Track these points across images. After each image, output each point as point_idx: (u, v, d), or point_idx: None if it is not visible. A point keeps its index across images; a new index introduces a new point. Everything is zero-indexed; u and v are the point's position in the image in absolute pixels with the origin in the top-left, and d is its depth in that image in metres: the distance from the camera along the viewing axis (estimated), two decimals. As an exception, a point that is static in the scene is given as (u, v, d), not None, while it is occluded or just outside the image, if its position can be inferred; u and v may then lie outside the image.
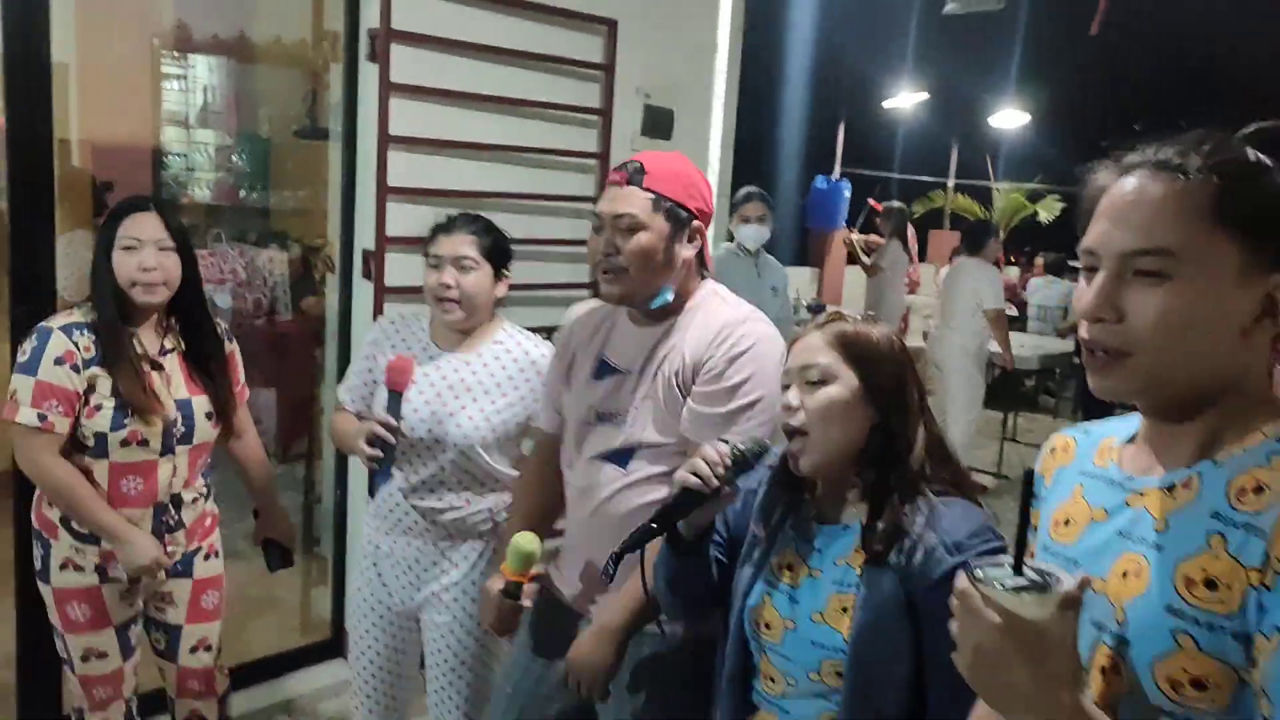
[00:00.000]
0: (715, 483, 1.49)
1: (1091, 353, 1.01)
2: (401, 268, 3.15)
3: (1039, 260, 10.17)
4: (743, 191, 4.81)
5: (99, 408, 2.17)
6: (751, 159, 6.18)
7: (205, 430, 2.34)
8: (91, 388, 2.17)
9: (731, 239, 4.93)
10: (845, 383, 1.46)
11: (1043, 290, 8.77)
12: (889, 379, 1.47)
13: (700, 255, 1.94)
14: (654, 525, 1.54)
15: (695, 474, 1.49)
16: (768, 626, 1.51)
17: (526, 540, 1.95)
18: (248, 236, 4.92)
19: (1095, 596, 1.02)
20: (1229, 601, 0.90)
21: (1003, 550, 1.32)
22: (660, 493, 1.84)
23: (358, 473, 3.35)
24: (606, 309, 2.04)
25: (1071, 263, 9.45)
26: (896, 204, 7.59)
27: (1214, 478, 0.97)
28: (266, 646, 3.37)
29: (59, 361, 2.13)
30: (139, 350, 2.24)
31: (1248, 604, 0.88)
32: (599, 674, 1.84)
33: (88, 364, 2.17)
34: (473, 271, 2.27)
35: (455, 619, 2.36)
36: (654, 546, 1.62)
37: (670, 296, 1.89)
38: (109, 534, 2.20)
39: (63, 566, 2.26)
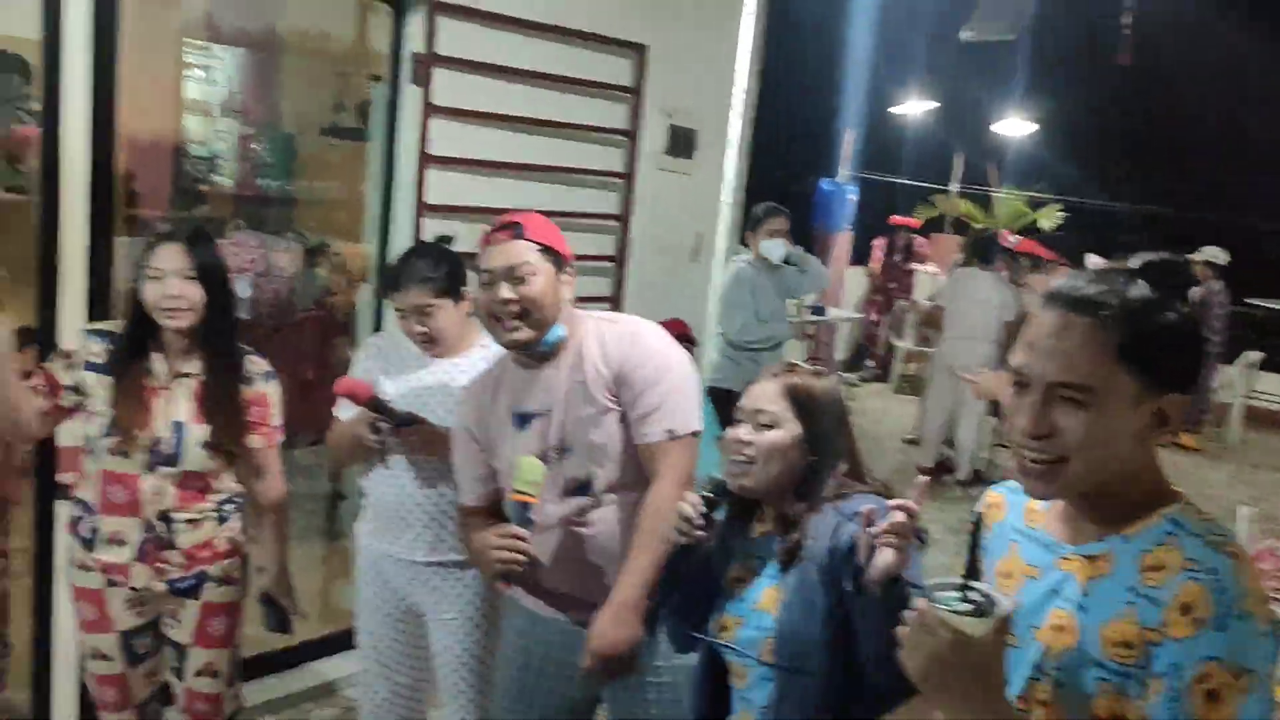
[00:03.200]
0: (699, 533, 1.73)
1: (1025, 460, 1.23)
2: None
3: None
4: (763, 206, 4.89)
5: (95, 414, 2.29)
6: (765, 163, 6.32)
7: (197, 458, 2.32)
8: (87, 392, 2.29)
9: (746, 246, 5.05)
10: (789, 430, 1.74)
11: (1043, 300, 8.88)
12: (826, 427, 1.76)
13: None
14: (668, 582, 1.82)
15: (680, 531, 1.73)
16: (725, 629, 1.78)
17: (535, 463, 2.03)
18: (267, 228, 5.03)
19: (1033, 642, 1.27)
20: (1137, 656, 1.16)
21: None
22: (627, 501, 2.09)
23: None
24: (488, 380, 2.23)
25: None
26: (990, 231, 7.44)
27: (1124, 553, 1.22)
28: (289, 636, 3.50)
29: (62, 354, 2.34)
30: (149, 369, 2.31)
31: (1149, 657, 1.15)
32: (628, 646, 1.98)
33: (89, 366, 2.30)
34: (437, 312, 2.42)
35: (462, 613, 2.50)
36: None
37: (563, 333, 2.11)
38: None
39: (74, 564, 2.38)
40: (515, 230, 2.08)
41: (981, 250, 6.61)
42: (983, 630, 1.13)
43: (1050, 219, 12.30)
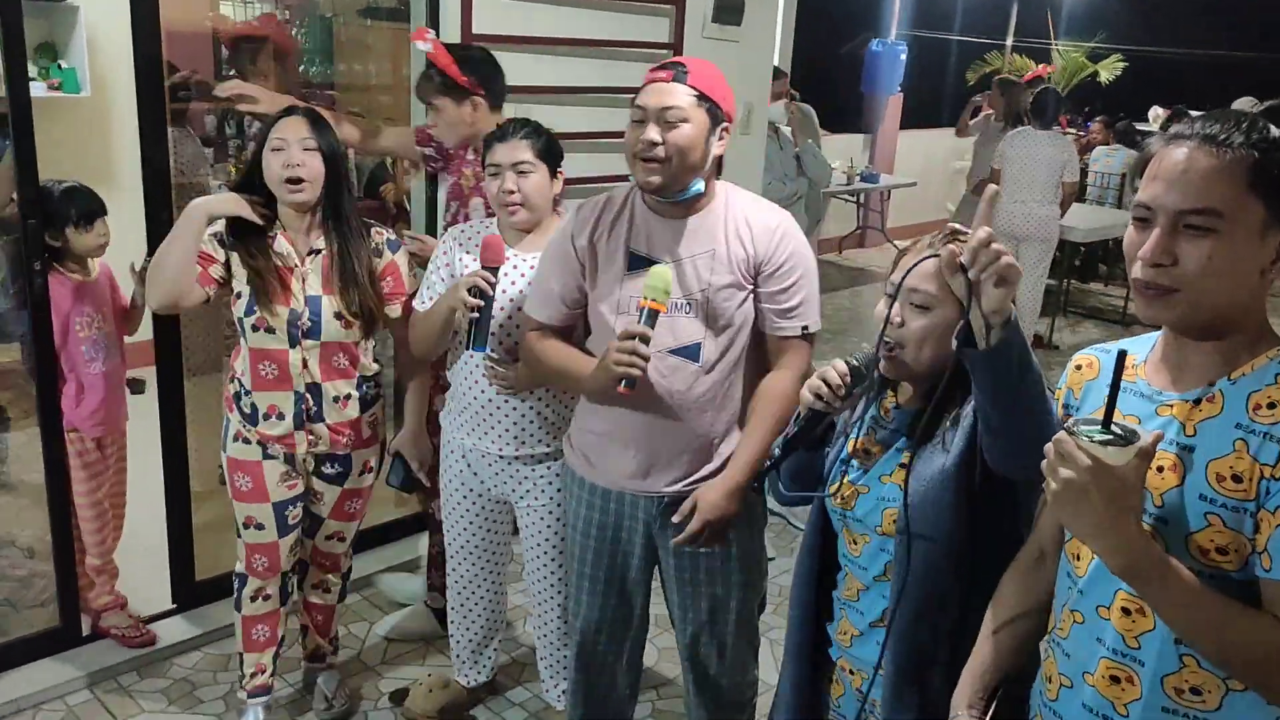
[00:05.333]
0: (840, 402, 1.69)
1: (1145, 287, 1.24)
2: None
3: (1097, 122, 9.92)
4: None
5: (239, 295, 2.42)
6: (813, 27, 6.11)
7: (334, 330, 2.44)
8: (232, 273, 2.42)
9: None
10: (945, 312, 1.62)
11: (1105, 159, 8.59)
12: None
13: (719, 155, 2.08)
14: (796, 441, 1.74)
15: (819, 395, 1.68)
16: (844, 499, 1.74)
17: (666, 272, 2.03)
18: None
19: None
20: (1248, 491, 1.19)
21: None
22: (727, 376, 2.10)
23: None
24: (613, 206, 2.18)
25: (1140, 125, 9.19)
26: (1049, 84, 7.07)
27: (1233, 394, 1.24)
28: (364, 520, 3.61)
29: (212, 233, 2.42)
30: (283, 249, 2.42)
31: (1261, 492, 1.18)
32: (732, 519, 2.11)
33: (233, 245, 2.43)
34: (531, 174, 2.40)
35: (552, 499, 2.55)
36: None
37: (702, 188, 2.06)
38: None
39: (234, 438, 2.54)
40: (676, 72, 2.01)
41: (1039, 108, 6.37)
42: (1122, 460, 1.14)
43: (1110, 71, 11.80)
